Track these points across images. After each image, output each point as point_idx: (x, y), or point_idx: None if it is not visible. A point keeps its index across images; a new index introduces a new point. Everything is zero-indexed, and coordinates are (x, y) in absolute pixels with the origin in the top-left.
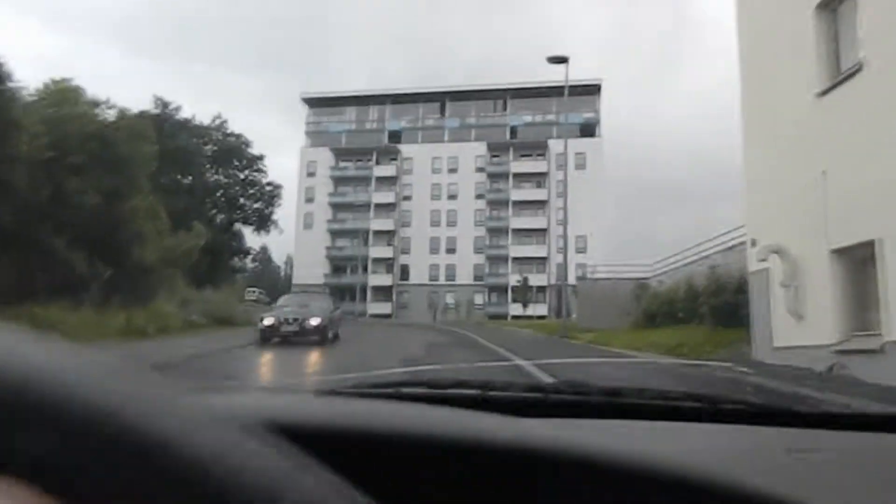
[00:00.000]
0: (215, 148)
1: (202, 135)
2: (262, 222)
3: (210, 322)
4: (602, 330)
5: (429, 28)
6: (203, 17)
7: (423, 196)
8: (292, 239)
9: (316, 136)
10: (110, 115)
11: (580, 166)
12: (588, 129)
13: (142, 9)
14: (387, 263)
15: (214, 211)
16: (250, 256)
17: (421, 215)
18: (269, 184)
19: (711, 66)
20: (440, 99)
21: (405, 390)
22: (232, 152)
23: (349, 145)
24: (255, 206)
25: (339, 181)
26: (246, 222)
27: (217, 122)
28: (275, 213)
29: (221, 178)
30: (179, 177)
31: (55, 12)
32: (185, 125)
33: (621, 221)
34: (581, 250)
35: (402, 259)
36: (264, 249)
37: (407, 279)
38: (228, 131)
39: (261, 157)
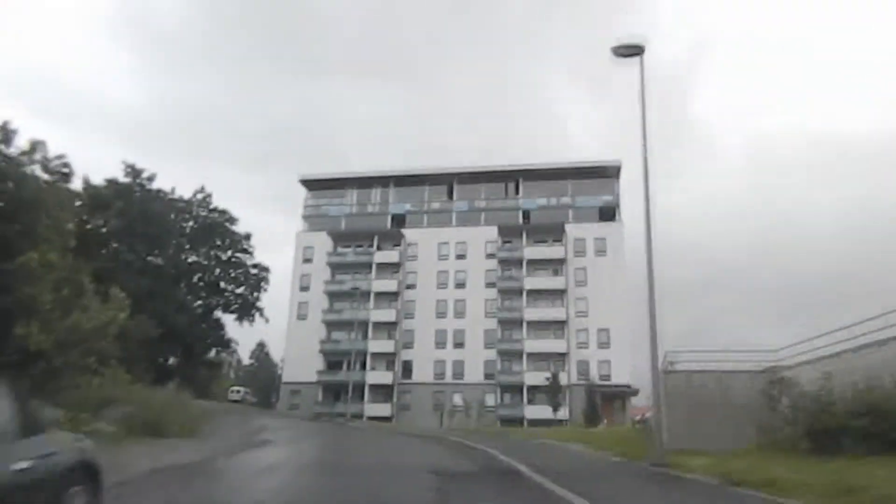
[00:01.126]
0: (195, 224)
1: (181, 209)
2: (246, 309)
3: (128, 431)
4: (718, 453)
5: (435, 108)
6: (207, 109)
7: (428, 284)
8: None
9: (313, 221)
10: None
11: (600, 252)
12: (607, 213)
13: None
14: (387, 359)
15: (190, 296)
16: (233, 350)
17: (426, 305)
18: (255, 266)
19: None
20: (447, 181)
21: None
22: (214, 229)
23: (349, 229)
24: (239, 290)
25: (336, 267)
26: (227, 309)
27: (199, 195)
28: (260, 299)
29: (201, 259)
30: (147, 255)
31: (67, 113)
32: (160, 196)
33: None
34: (604, 345)
35: (405, 354)
36: (261, 346)
37: (409, 377)
38: (212, 206)
39: (247, 237)
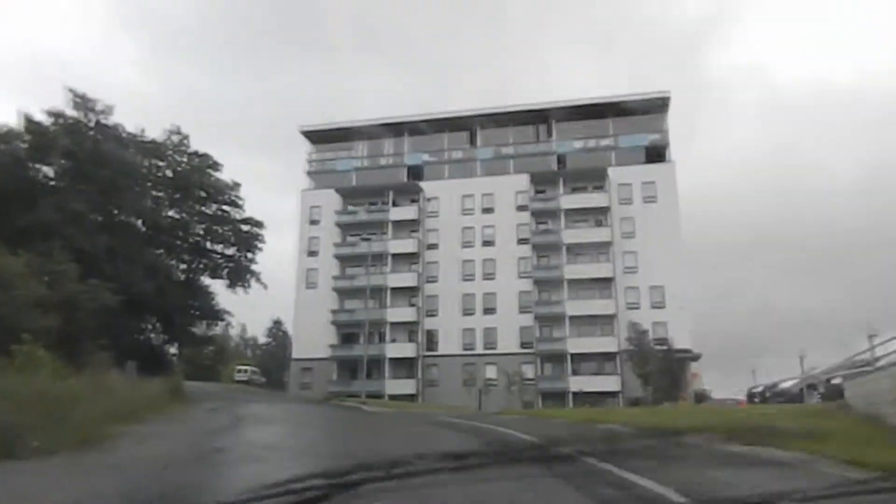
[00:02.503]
0: (170, 173)
1: (150, 152)
2: (237, 274)
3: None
4: None
5: (450, 41)
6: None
7: (451, 243)
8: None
9: (319, 177)
10: None
11: (649, 198)
12: (655, 154)
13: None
14: (409, 329)
15: (170, 259)
16: (227, 322)
17: (450, 267)
18: (245, 221)
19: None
20: (469, 125)
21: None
22: (193, 178)
23: (360, 185)
24: (228, 251)
25: (347, 228)
26: (215, 274)
27: (174, 136)
28: (255, 260)
29: (180, 213)
30: (107, 207)
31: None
32: (120, 136)
33: (703, 268)
34: (658, 305)
35: (429, 323)
36: (277, 323)
37: (435, 349)
38: (189, 150)
39: (236, 187)
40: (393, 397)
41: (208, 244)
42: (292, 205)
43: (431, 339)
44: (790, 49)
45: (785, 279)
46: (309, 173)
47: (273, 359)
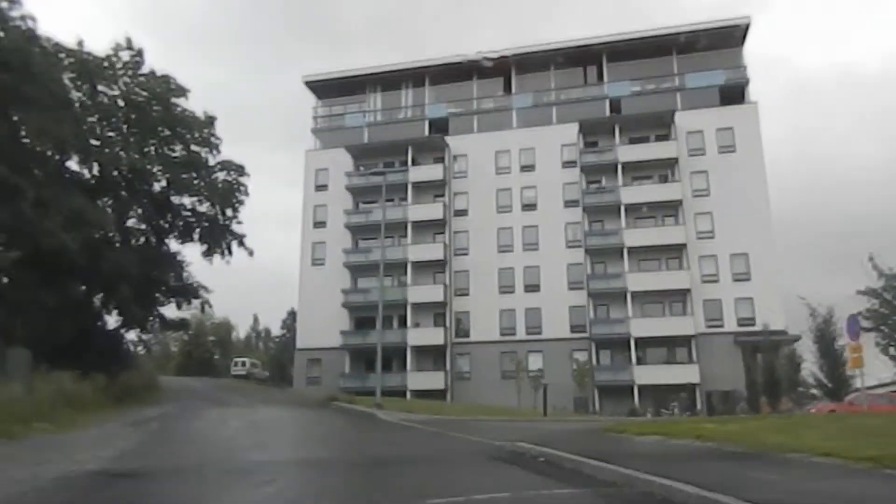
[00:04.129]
0: (122, 103)
1: (89, 70)
2: (214, 236)
3: None
4: None
5: None
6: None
7: (484, 208)
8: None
9: (327, 135)
10: None
11: (726, 148)
12: (732, 94)
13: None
14: (435, 311)
15: (121, 213)
16: (204, 300)
17: (483, 237)
18: (222, 165)
19: None
20: (502, 70)
21: None
22: (150, 110)
23: (374, 142)
24: (202, 208)
25: (360, 193)
26: (185, 237)
27: (126, 54)
28: (237, 218)
29: (133, 154)
30: (18, 129)
31: None
32: (34, 37)
33: (796, 229)
34: (741, 277)
35: (458, 304)
36: (293, 315)
37: (466, 335)
38: (145, 71)
39: (209, 122)
40: (417, 394)
41: (174, 197)
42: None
43: (462, 323)
44: None
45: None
46: (315, 132)
47: (287, 351)
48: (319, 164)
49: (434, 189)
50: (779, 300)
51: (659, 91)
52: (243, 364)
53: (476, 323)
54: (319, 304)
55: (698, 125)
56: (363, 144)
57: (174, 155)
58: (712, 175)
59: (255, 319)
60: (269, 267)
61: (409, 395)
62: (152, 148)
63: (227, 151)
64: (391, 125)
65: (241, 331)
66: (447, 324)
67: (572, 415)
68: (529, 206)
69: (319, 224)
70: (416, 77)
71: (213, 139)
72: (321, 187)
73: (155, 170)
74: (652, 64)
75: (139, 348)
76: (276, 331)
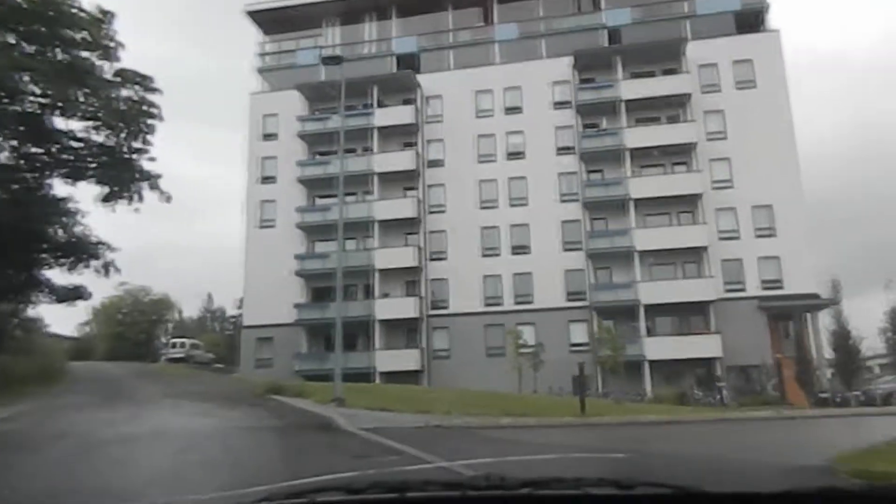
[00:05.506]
0: None
1: None
2: (116, 176)
3: None
4: None
5: None
6: None
7: (463, 158)
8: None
9: (275, 75)
10: None
11: (744, 83)
12: (749, 20)
13: None
14: (406, 278)
15: None
16: (107, 262)
17: (462, 191)
18: (120, 77)
19: None
20: None
21: (320, 499)
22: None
23: (332, 81)
24: (99, 137)
25: (315, 141)
26: (76, 176)
27: None
28: (146, 150)
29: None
30: None
31: None
32: None
33: (826, 178)
34: (766, 233)
35: (434, 270)
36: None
37: (445, 305)
38: None
39: (105, 18)
40: (387, 376)
41: (57, 119)
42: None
43: (439, 291)
44: None
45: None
46: (261, 71)
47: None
48: (267, 108)
49: (404, 135)
50: (810, 259)
51: (665, 18)
52: (182, 345)
53: (455, 292)
54: (269, 273)
55: (712, 57)
56: (318, 83)
57: (53, 61)
58: (729, 115)
59: (209, 298)
60: (228, 242)
61: (377, 377)
62: (17, 52)
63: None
64: (352, 62)
65: (193, 310)
66: (421, 293)
67: (619, 405)
68: (516, 155)
69: (268, 179)
70: (380, 6)
71: (109, 43)
72: (269, 136)
73: (26, 79)
74: None
75: (41, 325)
76: (233, 310)
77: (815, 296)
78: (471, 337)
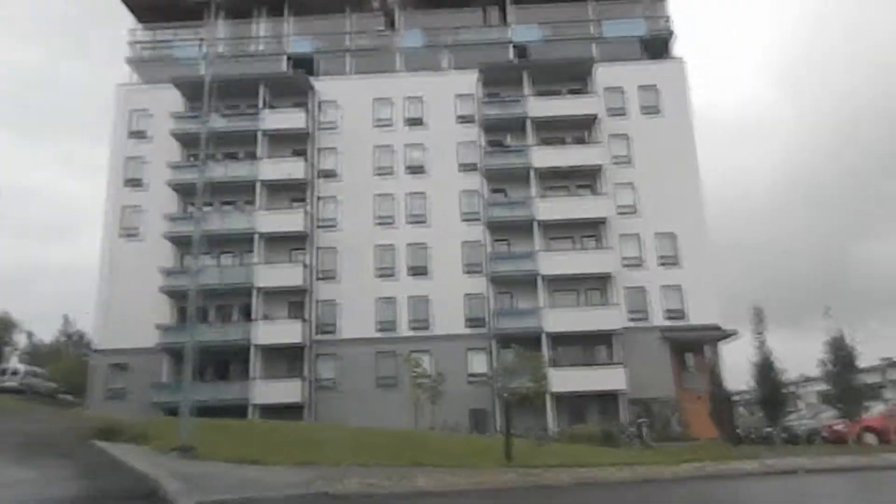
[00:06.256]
0: None
1: None
2: None
3: None
4: None
5: None
6: None
7: (360, 169)
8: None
9: (149, 68)
10: None
11: (649, 109)
12: (656, 47)
13: None
14: (291, 299)
15: None
16: None
17: (357, 205)
18: None
19: None
20: (383, 3)
21: None
22: None
23: (217, 78)
24: None
25: (192, 142)
26: None
27: None
28: None
29: None
30: None
31: None
32: None
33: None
34: (669, 261)
35: (324, 290)
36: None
37: (332, 331)
38: None
39: None
40: (265, 410)
41: None
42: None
43: (328, 315)
44: None
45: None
46: (131, 61)
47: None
48: (137, 103)
49: (294, 142)
50: (712, 289)
51: (573, 39)
52: (14, 373)
53: (346, 316)
54: (130, 289)
55: (619, 81)
56: (199, 78)
57: None
58: (634, 140)
59: (66, 320)
60: (93, 259)
61: (252, 412)
62: None
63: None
64: (240, 58)
65: (47, 335)
66: (307, 316)
67: (545, 447)
68: (416, 169)
69: (133, 182)
70: (272, 4)
71: None
72: (138, 134)
73: None
74: (563, 9)
75: None
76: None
77: (716, 327)
78: (361, 366)
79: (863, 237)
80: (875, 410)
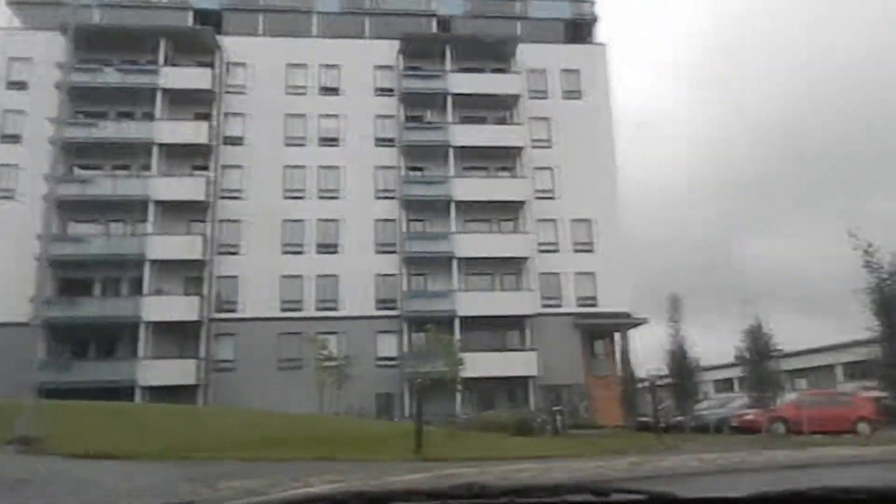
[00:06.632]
0: None
1: None
2: None
3: None
4: None
5: None
6: None
7: (269, 137)
8: None
9: (33, 10)
10: None
11: (571, 93)
12: (579, 31)
13: None
14: (187, 273)
15: None
16: None
17: (264, 175)
18: None
19: None
20: None
21: None
22: None
23: (109, 27)
24: None
25: (80, 96)
26: None
27: None
28: None
29: None
30: None
31: None
32: None
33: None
34: (584, 248)
35: (224, 265)
36: None
37: (233, 308)
38: None
39: None
40: (155, 392)
41: None
42: None
43: (228, 291)
44: None
45: (756, 225)
46: (12, 3)
47: None
48: (18, 50)
49: (197, 103)
50: (624, 277)
51: (498, 16)
52: None
53: (248, 293)
54: (2, 257)
55: (542, 62)
56: (91, 25)
57: None
58: (556, 124)
59: None
60: None
61: (140, 394)
62: None
63: None
64: (138, 10)
65: None
66: (205, 292)
67: (460, 437)
68: (330, 141)
69: (10, 138)
70: None
71: None
72: (17, 84)
73: None
74: None
75: None
76: None
77: (627, 314)
78: (263, 346)
79: (761, 234)
80: (785, 399)
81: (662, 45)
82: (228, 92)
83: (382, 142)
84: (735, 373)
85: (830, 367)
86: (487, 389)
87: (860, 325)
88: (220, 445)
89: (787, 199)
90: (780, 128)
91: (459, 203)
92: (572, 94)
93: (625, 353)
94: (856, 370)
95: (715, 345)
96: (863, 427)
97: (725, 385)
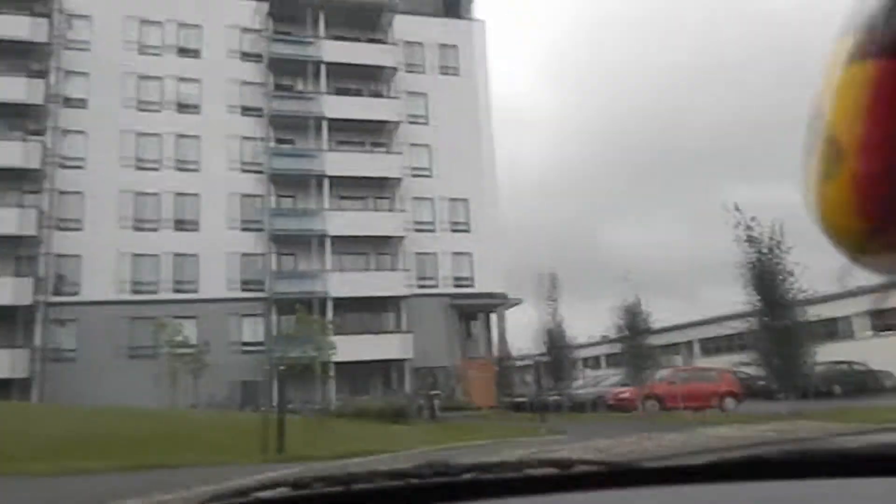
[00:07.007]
0: None
1: None
2: None
3: None
4: None
5: None
6: None
7: (116, 101)
8: None
9: None
10: None
11: (448, 69)
12: (458, 5)
13: None
14: (18, 253)
15: None
16: None
17: (111, 143)
18: None
19: None
20: None
21: (265, 495)
22: None
23: None
24: None
25: None
26: None
27: None
28: None
29: None
30: None
31: None
32: None
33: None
34: (460, 227)
35: (63, 242)
36: None
37: (74, 291)
38: None
39: None
40: None
41: None
42: None
43: (68, 271)
44: None
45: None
46: None
47: None
48: None
49: (27, 57)
50: (500, 258)
51: None
52: None
53: (91, 273)
54: None
55: (418, 36)
56: None
57: None
58: (432, 99)
59: None
60: None
61: None
62: None
63: None
64: None
65: None
66: (40, 273)
67: (327, 427)
68: (189, 108)
69: None
70: None
71: None
72: None
73: None
74: None
75: None
76: None
77: (504, 295)
78: (109, 333)
79: (624, 221)
80: (657, 376)
81: (537, 32)
82: (69, 48)
83: (249, 111)
84: (602, 350)
85: (690, 344)
86: (361, 374)
87: (710, 305)
88: (20, 454)
89: (651, 188)
90: (650, 118)
91: (332, 178)
92: (449, 69)
93: (501, 333)
94: (710, 346)
95: (581, 325)
96: (730, 402)
97: (594, 363)
